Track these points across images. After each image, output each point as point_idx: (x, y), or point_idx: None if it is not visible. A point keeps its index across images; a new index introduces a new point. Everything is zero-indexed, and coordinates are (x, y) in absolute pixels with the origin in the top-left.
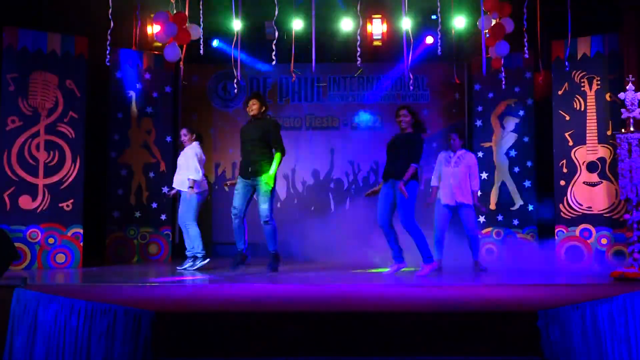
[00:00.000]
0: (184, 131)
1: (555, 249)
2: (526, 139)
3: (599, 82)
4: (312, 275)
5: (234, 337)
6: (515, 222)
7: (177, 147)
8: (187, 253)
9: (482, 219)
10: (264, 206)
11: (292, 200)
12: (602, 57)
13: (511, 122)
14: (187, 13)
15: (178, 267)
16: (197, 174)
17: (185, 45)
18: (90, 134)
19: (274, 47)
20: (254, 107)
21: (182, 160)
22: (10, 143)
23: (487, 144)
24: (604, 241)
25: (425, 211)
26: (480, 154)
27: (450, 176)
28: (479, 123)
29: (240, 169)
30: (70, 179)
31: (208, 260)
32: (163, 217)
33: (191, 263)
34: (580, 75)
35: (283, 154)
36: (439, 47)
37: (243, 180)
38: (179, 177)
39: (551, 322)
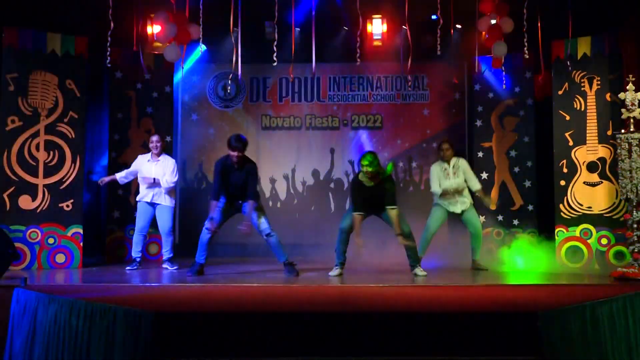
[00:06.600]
0: (157, 137)
1: (555, 249)
2: (526, 139)
3: (599, 82)
4: (312, 275)
5: (233, 337)
6: (515, 222)
7: (178, 148)
8: (169, 255)
9: (482, 218)
10: (262, 220)
11: (292, 200)
12: (602, 57)
13: (511, 122)
14: (187, 13)
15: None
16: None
17: (185, 45)
18: (90, 134)
19: (274, 47)
20: (237, 158)
21: (158, 170)
22: (10, 143)
23: (487, 144)
24: (604, 241)
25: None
26: (480, 154)
27: (454, 187)
28: (479, 123)
29: (227, 196)
30: (70, 179)
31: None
32: None
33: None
34: (581, 75)
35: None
36: (439, 47)
37: (229, 204)
38: (159, 188)
39: (551, 322)
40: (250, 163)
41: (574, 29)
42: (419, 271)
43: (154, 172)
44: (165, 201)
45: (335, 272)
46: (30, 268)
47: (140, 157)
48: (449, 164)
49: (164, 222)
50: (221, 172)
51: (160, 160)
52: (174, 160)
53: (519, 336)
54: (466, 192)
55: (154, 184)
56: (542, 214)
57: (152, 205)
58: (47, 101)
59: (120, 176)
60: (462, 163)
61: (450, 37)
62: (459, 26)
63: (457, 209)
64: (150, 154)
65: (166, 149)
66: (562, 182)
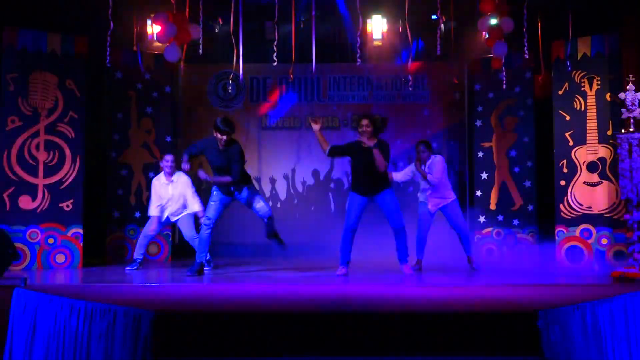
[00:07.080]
0: (172, 157)
1: (555, 249)
2: (526, 139)
3: (599, 82)
4: (312, 275)
5: (233, 337)
6: (515, 222)
7: (178, 148)
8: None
9: (482, 219)
10: (261, 203)
11: (292, 200)
12: (602, 57)
13: (511, 122)
14: (187, 13)
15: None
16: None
17: (185, 45)
18: (90, 134)
19: (274, 47)
20: (226, 142)
21: (175, 190)
22: (10, 143)
23: (487, 144)
24: (604, 241)
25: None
26: (480, 154)
27: (428, 187)
28: (479, 123)
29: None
30: (70, 179)
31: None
32: None
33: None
34: (581, 75)
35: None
36: (439, 47)
37: (223, 194)
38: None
39: (551, 322)
40: (235, 144)
41: (574, 29)
42: (406, 269)
43: (170, 192)
44: (184, 213)
45: (341, 271)
46: (30, 268)
47: (154, 181)
48: (424, 164)
49: (186, 230)
50: (203, 146)
51: (174, 181)
52: (187, 179)
53: (519, 336)
54: (441, 190)
55: (170, 201)
56: (542, 214)
57: (164, 221)
58: (47, 101)
59: (155, 214)
60: (434, 160)
61: (451, 37)
62: (454, 24)
63: (435, 208)
64: (163, 174)
65: (166, 149)
66: (562, 182)
